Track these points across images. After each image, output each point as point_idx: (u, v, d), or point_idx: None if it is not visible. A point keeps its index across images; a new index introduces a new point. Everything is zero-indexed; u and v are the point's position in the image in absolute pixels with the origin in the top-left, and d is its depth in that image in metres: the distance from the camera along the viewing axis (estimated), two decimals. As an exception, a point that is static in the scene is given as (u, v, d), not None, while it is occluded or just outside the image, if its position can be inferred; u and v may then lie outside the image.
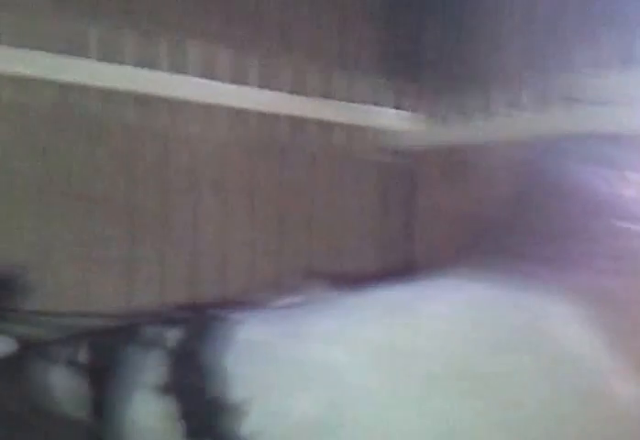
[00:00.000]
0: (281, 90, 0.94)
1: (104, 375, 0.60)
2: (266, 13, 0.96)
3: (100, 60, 0.86)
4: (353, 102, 0.98)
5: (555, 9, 0.90)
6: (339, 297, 0.62)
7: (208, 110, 0.91)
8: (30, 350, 0.66)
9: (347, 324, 0.55)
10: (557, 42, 0.87)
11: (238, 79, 0.92)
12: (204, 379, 0.55)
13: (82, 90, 0.86)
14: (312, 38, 0.98)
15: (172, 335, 0.59)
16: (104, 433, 0.58)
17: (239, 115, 0.92)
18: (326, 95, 0.97)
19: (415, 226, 1.02)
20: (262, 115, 0.93)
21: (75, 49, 0.85)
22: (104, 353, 0.62)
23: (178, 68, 0.89)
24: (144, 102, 0.89)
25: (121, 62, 0.87)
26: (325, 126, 0.97)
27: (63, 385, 0.62)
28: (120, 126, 0.87)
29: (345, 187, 0.98)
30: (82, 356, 0.62)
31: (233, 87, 0.92)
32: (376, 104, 1.00)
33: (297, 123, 0.95)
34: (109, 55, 0.87)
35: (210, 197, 0.92)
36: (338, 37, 1.00)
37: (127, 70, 0.87)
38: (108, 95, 0.87)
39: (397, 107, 1.02)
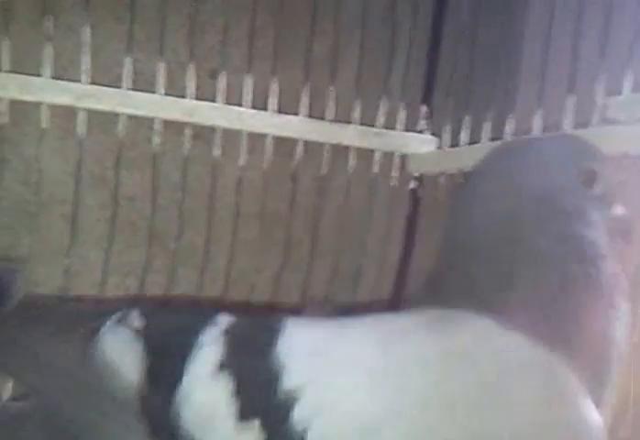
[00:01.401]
0: (324, 119, 0.99)
1: (160, 343, 0.60)
2: (315, 48, 1.00)
3: (166, 94, 0.90)
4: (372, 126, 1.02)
5: (571, 33, 0.93)
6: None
7: (256, 139, 0.95)
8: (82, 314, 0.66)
9: (387, 332, 0.58)
10: (573, 67, 0.91)
11: (286, 109, 0.97)
12: (259, 362, 0.57)
13: (146, 122, 0.90)
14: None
15: (224, 319, 0.61)
16: (156, 401, 0.59)
17: (284, 143, 0.97)
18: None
19: (415, 251, 1.06)
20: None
21: (142, 83, 0.89)
22: (159, 321, 0.63)
23: (234, 100, 0.94)
24: (198, 133, 0.93)
25: (184, 96, 0.91)
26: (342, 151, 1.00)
27: (117, 349, 0.61)
28: (177, 157, 0.92)
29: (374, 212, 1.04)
30: (136, 321, 0.62)
31: (280, 117, 0.96)
32: (390, 127, 1.03)
33: (339, 150, 1.00)
34: (174, 89, 0.91)
35: (253, 226, 0.97)
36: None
37: (190, 103, 0.91)
38: (169, 127, 0.91)
39: (410, 131, 1.04)
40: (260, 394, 0.56)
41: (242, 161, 0.94)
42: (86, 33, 0.87)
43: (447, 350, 0.57)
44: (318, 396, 0.55)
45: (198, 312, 0.66)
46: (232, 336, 0.59)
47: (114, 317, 0.62)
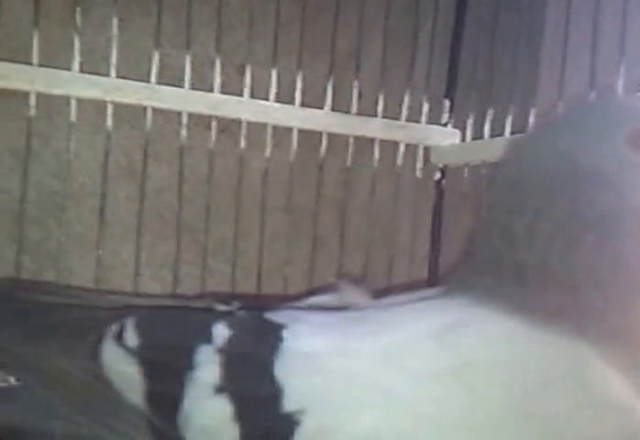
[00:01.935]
0: (348, 112, 1.00)
1: (156, 366, 0.59)
2: (340, 42, 1.00)
3: (193, 88, 0.91)
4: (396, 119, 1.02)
5: (590, 26, 0.93)
6: (371, 307, 0.63)
7: (281, 132, 0.96)
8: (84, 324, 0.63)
9: (392, 346, 0.55)
10: (593, 60, 0.91)
11: (310, 103, 0.97)
12: (257, 385, 0.55)
13: (173, 116, 0.91)
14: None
15: (220, 333, 0.58)
16: (160, 424, 0.58)
17: (309, 136, 0.98)
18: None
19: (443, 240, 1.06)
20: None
21: (170, 77, 0.90)
22: (153, 340, 0.60)
23: (259, 94, 0.95)
24: (225, 126, 0.94)
25: (211, 90, 0.92)
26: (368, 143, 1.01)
27: (116, 367, 0.60)
28: (204, 150, 0.93)
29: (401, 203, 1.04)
30: (131, 339, 0.60)
31: (305, 111, 0.97)
32: (413, 120, 1.04)
33: (364, 142, 1.01)
34: (200, 83, 0.92)
35: (281, 218, 0.98)
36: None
37: (216, 97, 0.92)
38: (196, 121, 0.92)
39: (434, 124, 1.05)
40: (261, 419, 0.55)
41: (268, 154, 0.95)
42: (115, 27, 0.88)
43: (463, 363, 0.53)
44: (320, 418, 0.53)
45: (192, 321, 0.62)
46: (227, 356, 0.57)
47: (110, 332, 0.61)
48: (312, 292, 0.72)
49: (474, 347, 0.54)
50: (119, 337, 0.60)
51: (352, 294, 0.69)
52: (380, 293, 0.68)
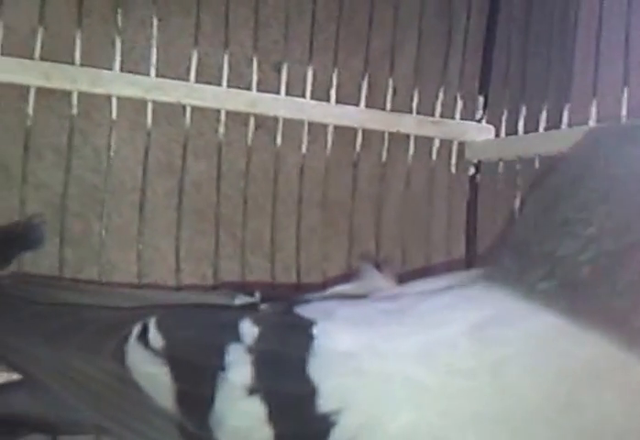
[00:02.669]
0: (383, 109, 1.01)
1: (184, 368, 0.58)
2: (374, 40, 1.02)
3: (230, 86, 0.93)
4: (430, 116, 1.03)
5: (623, 22, 0.93)
6: (404, 296, 0.61)
7: (317, 129, 0.98)
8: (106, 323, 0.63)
9: (428, 343, 0.53)
10: (626, 56, 0.90)
11: (346, 100, 0.99)
12: (290, 385, 0.54)
13: (212, 113, 0.93)
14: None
15: (248, 330, 0.57)
16: (192, 428, 0.57)
17: (344, 132, 0.99)
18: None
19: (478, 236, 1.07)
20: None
21: (208, 76, 0.92)
22: (179, 340, 0.59)
23: (296, 92, 0.96)
24: (262, 123, 0.96)
25: (248, 88, 0.94)
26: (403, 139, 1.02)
27: (143, 369, 0.59)
28: (241, 146, 0.95)
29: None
30: (156, 340, 0.59)
31: (341, 107, 0.98)
32: (447, 117, 1.04)
33: (399, 138, 1.02)
34: (238, 81, 0.94)
35: (317, 213, 0.99)
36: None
37: (253, 95, 0.94)
38: (233, 118, 0.94)
39: (469, 119, 1.06)
40: (295, 420, 0.54)
41: (304, 150, 0.97)
42: (155, 27, 0.90)
43: (501, 360, 0.52)
44: (356, 419, 0.52)
45: (217, 319, 0.61)
46: (258, 355, 0.56)
47: (134, 333, 0.60)
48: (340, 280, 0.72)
49: (511, 344, 0.53)
50: (143, 338, 0.60)
51: (376, 280, 0.69)
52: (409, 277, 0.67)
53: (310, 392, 0.53)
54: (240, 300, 0.70)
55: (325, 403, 0.53)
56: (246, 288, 0.74)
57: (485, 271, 0.61)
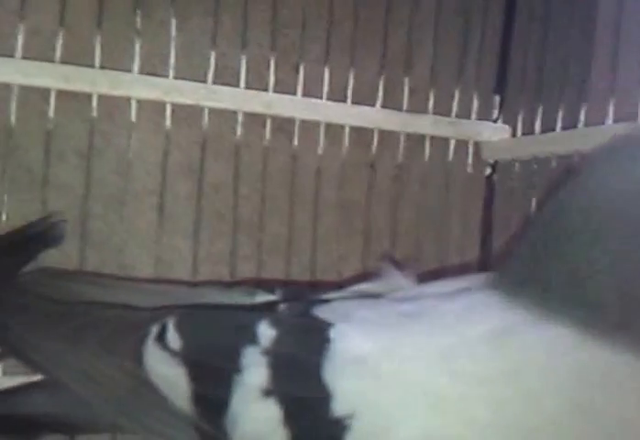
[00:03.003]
0: (399, 109, 1.01)
1: (201, 369, 0.58)
2: (391, 40, 1.02)
3: (247, 87, 0.94)
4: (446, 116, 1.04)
5: None
6: (421, 298, 0.61)
7: (334, 130, 0.98)
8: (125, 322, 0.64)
9: (445, 348, 0.53)
10: None
11: (362, 100, 0.99)
12: (306, 387, 0.54)
13: (229, 115, 0.94)
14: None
15: (265, 332, 0.58)
16: (209, 429, 0.57)
17: (361, 133, 0.99)
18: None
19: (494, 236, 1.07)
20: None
21: (226, 77, 0.93)
22: (197, 341, 0.60)
23: (312, 92, 0.97)
24: (279, 125, 0.96)
25: (265, 89, 0.94)
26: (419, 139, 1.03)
27: (160, 370, 0.59)
28: (259, 148, 0.95)
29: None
30: (174, 341, 0.59)
31: (357, 108, 0.99)
32: (464, 117, 1.05)
33: (415, 139, 1.02)
34: (255, 82, 0.95)
35: (333, 214, 1.00)
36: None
37: (270, 96, 0.95)
38: (251, 119, 0.94)
39: (484, 120, 1.06)
40: (310, 423, 0.54)
41: (321, 151, 0.97)
42: (174, 28, 0.91)
43: (518, 366, 0.52)
44: (370, 423, 0.52)
45: (234, 320, 0.61)
46: (274, 358, 0.56)
47: (152, 333, 0.60)
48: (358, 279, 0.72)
49: (529, 350, 0.52)
50: (161, 339, 0.60)
51: (395, 279, 0.69)
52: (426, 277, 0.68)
53: (325, 396, 0.53)
54: (260, 297, 0.71)
55: (339, 407, 0.53)
56: (265, 285, 0.75)
57: (499, 276, 0.61)
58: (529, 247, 0.59)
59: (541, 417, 0.50)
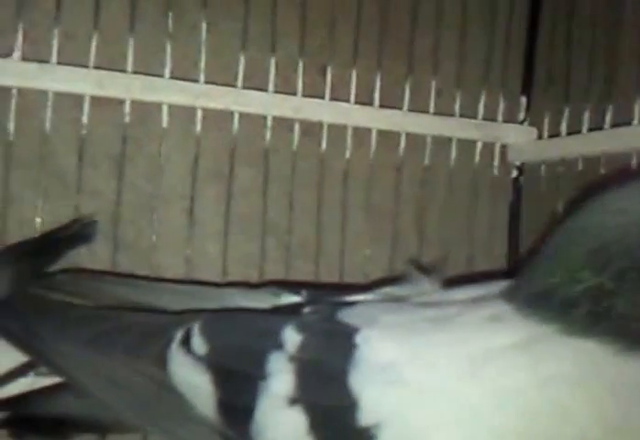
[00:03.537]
0: (426, 112, 1.02)
1: (227, 375, 0.58)
2: (417, 43, 1.03)
3: (276, 91, 0.95)
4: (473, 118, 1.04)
5: None
6: (447, 304, 0.61)
7: (361, 133, 0.99)
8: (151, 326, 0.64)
9: (473, 357, 0.52)
10: None
11: (389, 103, 1.00)
12: (332, 396, 0.54)
13: (258, 119, 0.95)
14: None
15: (290, 338, 0.57)
16: (233, 436, 0.57)
17: (388, 136, 1.00)
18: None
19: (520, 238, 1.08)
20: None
21: (254, 81, 0.94)
22: (222, 346, 0.59)
23: (340, 96, 0.98)
24: (307, 129, 0.97)
25: (293, 93, 0.95)
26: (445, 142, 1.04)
27: (185, 376, 0.59)
28: (287, 152, 0.96)
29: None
30: (199, 346, 0.59)
31: (384, 112, 0.99)
32: (490, 119, 1.05)
33: (442, 142, 1.03)
34: (284, 86, 0.96)
35: (361, 217, 1.01)
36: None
37: (298, 100, 0.95)
38: (279, 124, 0.95)
39: (510, 122, 1.07)
40: (336, 432, 0.53)
41: (348, 155, 0.98)
42: (204, 32, 0.91)
43: (547, 376, 0.51)
44: (397, 433, 0.51)
45: (260, 325, 0.62)
46: (300, 365, 0.56)
47: (177, 338, 0.60)
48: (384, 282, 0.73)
49: (558, 361, 0.52)
50: (186, 344, 0.60)
51: (421, 283, 0.70)
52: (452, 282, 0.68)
53: (351, 404, 0.53)
54: (285, 298, 0.72)
55: (366, 416, 0.52)
56: (290, 286, 0.75)
57: (519, 285, 0.60)
58: (546, 260, 0.59)
59: (573, 429, 0.50)
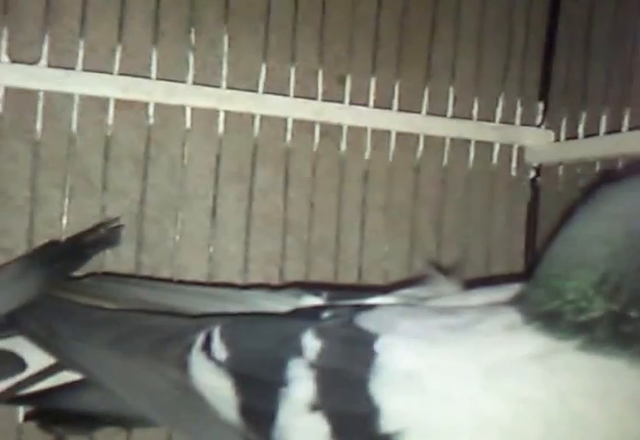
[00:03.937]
0: (445, 115, 1.04)
1: (248, 381, 0.58)
2: (435, 51, 1.05)
3: (296, 97, 0.97)
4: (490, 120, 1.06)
5: None
6: (466, 309, 0.61)
7: (380, 135, 1.01)
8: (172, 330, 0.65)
9: (492, 366, 0.53)
10: None
11: (408, 107, 1.02)
12: (353, 403, 0.54)
13: (279, 122, 0.97)
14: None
15: (310, 344, 0.58)
16: (253, 437, 0.58)
17: (406, 138, 1.02)
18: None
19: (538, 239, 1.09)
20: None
21: (276, 88, 0.96)
22: (243, 352, 0.60)
23: (359, 102, 1.00)
24: (327, 131, 1.00)
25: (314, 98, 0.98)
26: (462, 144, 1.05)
27: (207, 381, 0.60)
28: (307, 153, 0.98)
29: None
30: (220, 352, 0.60)
31: (402, 115, 1.01)
32: (506, 121, 1.07)
33: (460, 144, 1.05)
34: (304, 93, 0.98)
35: (379, 217, 1.03)
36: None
37: (319, 104, 0.98)
38: (300, 126, 0.98)
39: (529, 124, 1.08)
40: (358, 439, 0.54)
41: (367, 156, 1.00)
42: (225, 45, 0.94)
43: (568, 388, 0.51)
44: None
45: (280, 330, 0.62)
46: (320, 371, 0.56)
47: (198, 342, 0.61)
48: (405, 283, 0.74)
49: (574, 374, 0.52)
50: (207, 349, 0.61)
51: (442, 286, 0.70)
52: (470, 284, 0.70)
53: (372, 411, 0.53)
54: (306, 300, 0.73)
55: (387, 423, 0.53)
56: (312, 288, 0.77)
57: (528, 292, 0.61)
58: (555, 268, 0.60)
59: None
